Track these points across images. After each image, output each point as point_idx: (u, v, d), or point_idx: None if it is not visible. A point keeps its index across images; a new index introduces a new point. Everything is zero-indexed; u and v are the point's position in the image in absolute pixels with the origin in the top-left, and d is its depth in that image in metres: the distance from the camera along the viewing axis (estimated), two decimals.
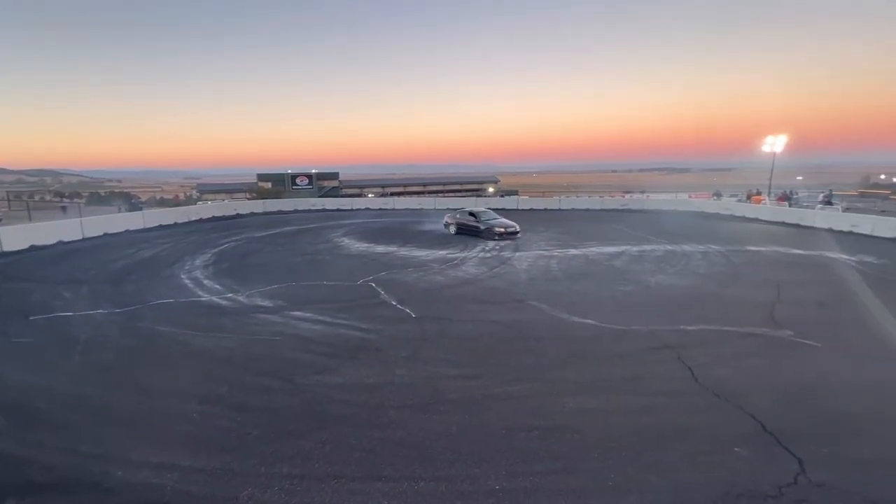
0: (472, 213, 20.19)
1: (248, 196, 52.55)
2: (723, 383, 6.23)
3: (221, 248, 17.30)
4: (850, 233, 19.57)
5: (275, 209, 32.58)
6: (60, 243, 18.02)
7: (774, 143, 29.57)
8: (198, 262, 14.67)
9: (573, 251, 16.09)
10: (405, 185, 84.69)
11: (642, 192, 52.68)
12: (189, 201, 50.53)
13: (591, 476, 4.43)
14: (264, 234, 21.10)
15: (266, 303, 10.18)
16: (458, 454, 4.74)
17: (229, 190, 68.41)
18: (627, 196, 42.24)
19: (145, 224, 23.11)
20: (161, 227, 23.45)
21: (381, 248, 16.94)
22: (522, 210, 31.35)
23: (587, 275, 12.75)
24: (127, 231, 21.60)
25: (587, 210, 31.14)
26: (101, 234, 20.32)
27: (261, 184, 63.50)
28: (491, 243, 17.73)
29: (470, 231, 19.58)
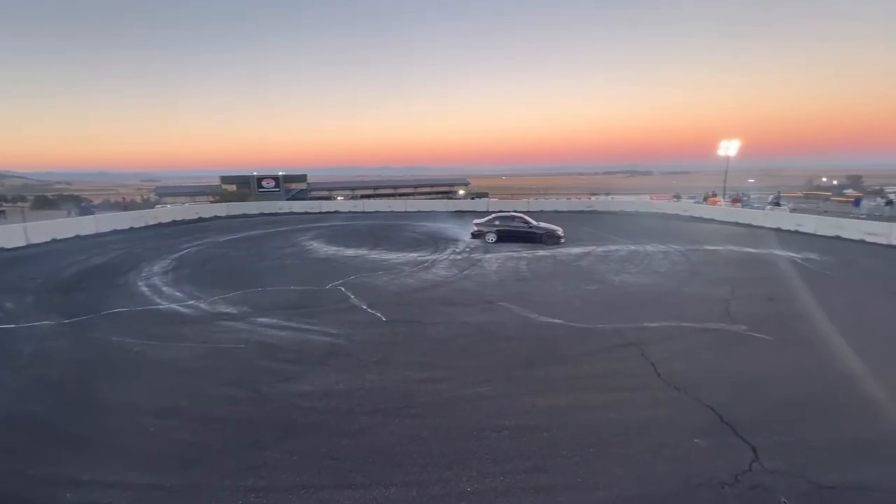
0: (515, 217, 18.72)
1: (210, 199, 50.77)
2: (683, 377, 6.49)
3: (182, 253, 16.60)
4: (797, 232, 20.86)
5: (239, 213, 31.59)
6: (2, 251, 16.81)
7: (728, 148, 31.20)
8: (156, 268, 14.01)
9: (542, 252, 16.38)
10: (375, 188, 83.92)
11: (607, 193, 54.37)
12: (147, 204, 48.19)
13: (561, 473, 4.52)
14: (228, 238, 20.40)
15: (230, 309, 9.83)
16: (429, 458, 4.72)
17: (191, 193, 65.77)
18: (593, 198, 43.44)
19: (98, 229, 21.91)
20: (115, 231, 22.29)
21: (350, 252, 16.70)
22: (493, 212, 31.68)
23: (555, 275, 13.01)
24: (77, 236, 20.42)
25: (555, 212, 31.78)
26: (48, 239, 19.11)
27: (224, 186, 61.40)
28: (461, 245, 17.82)
29: (519, 237, 17.98)
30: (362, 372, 6.73)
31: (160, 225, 25.41)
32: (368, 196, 69.63)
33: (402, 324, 8.90)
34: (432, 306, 10.08)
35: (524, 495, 4.21)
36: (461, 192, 76.25)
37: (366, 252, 16.60)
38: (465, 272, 13.39)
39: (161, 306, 10.14)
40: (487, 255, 15.76)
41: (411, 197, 65.20)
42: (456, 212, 32.08)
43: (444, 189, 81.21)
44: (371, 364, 7.01)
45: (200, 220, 28.57)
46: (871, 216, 24.26)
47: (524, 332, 8.41)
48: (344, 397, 6.01)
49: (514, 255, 15.91)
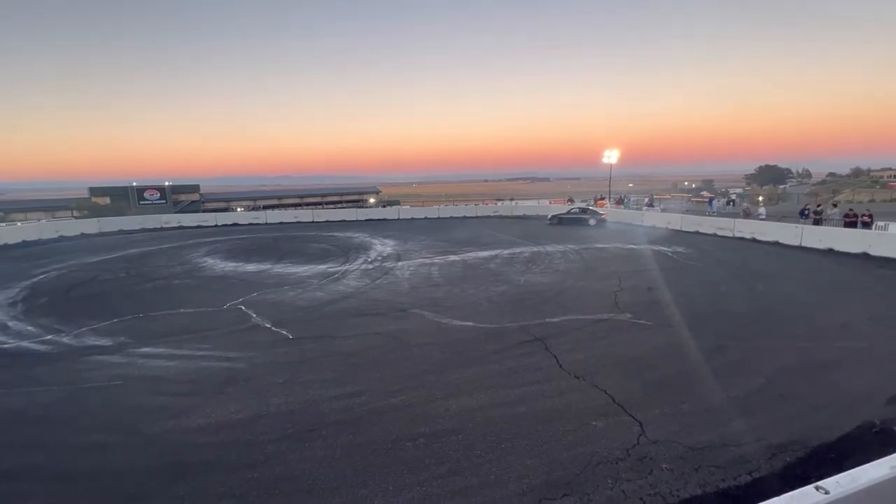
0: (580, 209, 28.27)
1: (76, 214, 43.70)
2: (581, 366, 7.07)
3: (36, 279, 13.98)
4: (667, 228, 24.08)
5: (115, 229, 27.61)
6: None
7: (610, 156, 35.04)
8: None
9: (453, 257, 16.79)
10: (280, 198, 79.04)
11: (511, 199, 57.53)
12: None
13: (476, 473, 4.62)
14: (100, 258, 17.67)
15: (102, 342, 8.49)
16: (342, 479, 4.52)
17: (48, 207, 55.72)
18: (499, 203, 45.70)
19: None
20: None
21: (252, 267, 15.50)
22: (404, 219, 31.78)
23: (466, 279, 13.40)
24: None
25: (464, 217, 32.88)
26: None
27: (95, 199, 53.41)
28: (373, 254, 17.56)
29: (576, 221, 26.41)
30: (266, 396, 6.24)
31: (6, 247, 21.18)
32: (272, 206, 65.36)
33: (310, 340, 8.46)
34: (343, 319, 9.74)
35: (441, 501, 4.22)
36: (372, 200, 75.16)
37: (269, 266, 15.53)
38: (378, 281, 13.18)
39: (6, 345, 8.41)
40: (400, 263, 15.71)
41: (319, 207, 62.68)
42: (367, 220, 31.57)
43: (353, 198, 79.31)
44: (276, 387, 6.53)
45: (62, 238, 24.40)
46: (720, 213, 28.95)
47: (437, 338, 8.50)
48: (245, 427, 5.51)
49: (427, 261, 16.07)
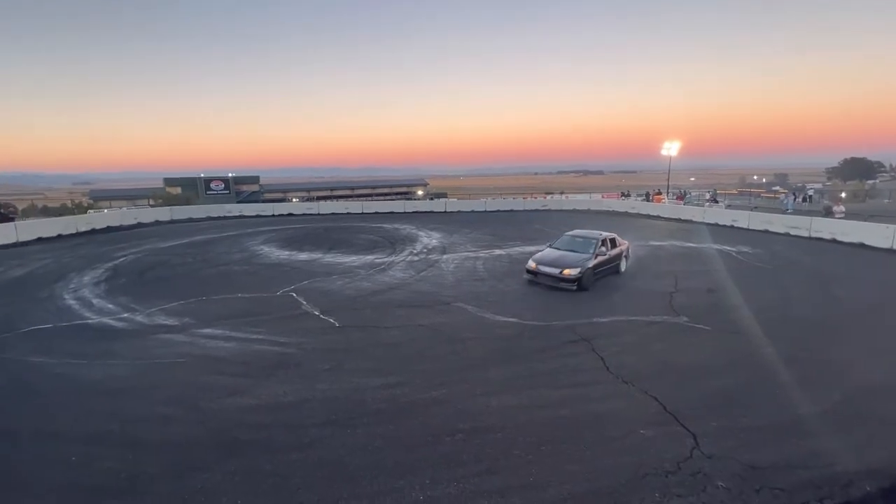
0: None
1: (152, 203, 47.76)
2: (630, 370, 6.73)
3: (118, 261, 15.40)
4: (732, 227, 22.35)
5: (184, 217, 29.80)
6: None
7: (670, 148, 32.98)
8: (86, 279, 12.90)
9: (498, 251, 16.58)
10: (332, 189, 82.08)
11: (561, 192, 55.83)
12: (79, 209, 44.54)
13: (514, 473, 4.53)
14: (170, 244, 19.16)
15: (170, 321, 9.20)
16: (381, 468, 4.60)
17: (129, 196, 61.57)
18: (548, 197, 44.55)
19: (19, 237, 19.91)
20: (41, 240, 20.36)
21: (304, 256, 16.16)
22: (451, 212, 31.80)
23: (511, 274, 13.17)
24: None
25: (511, 211, 32.34)
26: None
27: (168, 189, 58.17)
28: (419, 246, 17.72)
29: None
30: (313, 382, 6.48)
31: (94, 231, 23.48)
32: (325, 198, 68.02)
33: (356, 329, 8.68)
34: (388, 310, 9.91)
35: (477, 499, 4.18)
36: (420, 192, 76.02)
37: (320, 256, 16.12)
38: (422, 273, 13.29)
39: (90, 321, 9.33)
40: (445, 256, 15.74)
41: (369, 198, 64.34)
42: (414, 212, 31.93)
43: (402, 190, 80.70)
44: (322, 373, 6.77)
45: (140, 225, 26.70)
46: (796, 211, 26.46)
47: (480, 333, 8.43)
48: (293, 410, 5.76)
49: (472, 255, 15.99)
